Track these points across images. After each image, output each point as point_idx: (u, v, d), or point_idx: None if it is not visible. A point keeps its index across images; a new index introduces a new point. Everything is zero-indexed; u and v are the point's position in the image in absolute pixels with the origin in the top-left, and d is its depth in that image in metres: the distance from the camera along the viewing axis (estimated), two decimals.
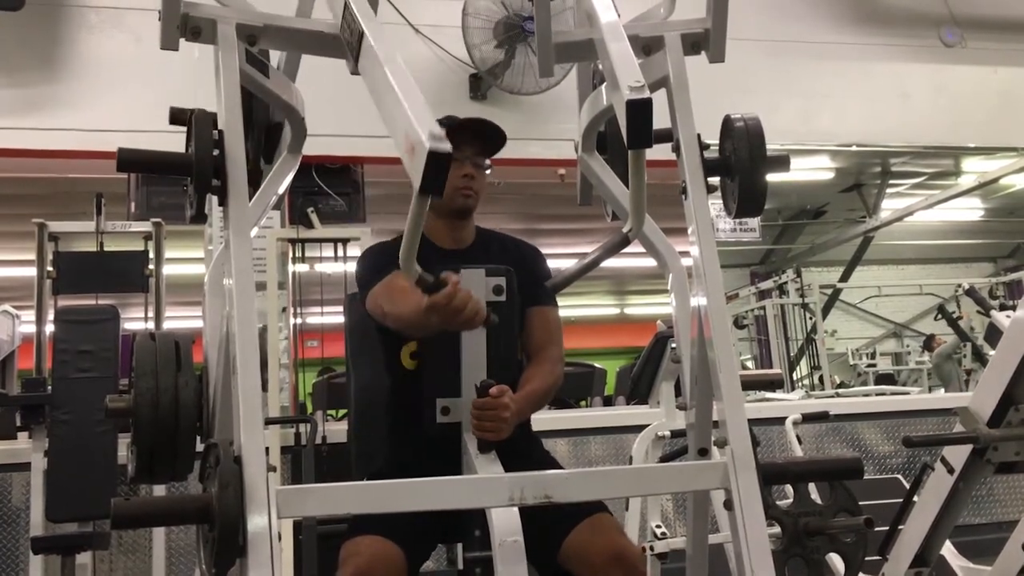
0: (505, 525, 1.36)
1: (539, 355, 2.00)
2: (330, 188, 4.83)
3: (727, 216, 1.75)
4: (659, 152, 1.62)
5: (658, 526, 3.36)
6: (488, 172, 2.11)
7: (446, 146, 1.14)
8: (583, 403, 5.87)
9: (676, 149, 1.68)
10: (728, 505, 1.38)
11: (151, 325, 4.42)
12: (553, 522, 1.68)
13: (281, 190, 1.97)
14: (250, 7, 1.82)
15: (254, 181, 1.81)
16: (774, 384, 2.75)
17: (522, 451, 1.82)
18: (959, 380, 8.32)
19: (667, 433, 3.41)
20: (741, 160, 1.59)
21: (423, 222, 1.34)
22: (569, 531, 1.74)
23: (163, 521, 1.26)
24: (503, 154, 2.23)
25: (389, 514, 1.78)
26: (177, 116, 1.64)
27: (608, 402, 7.02)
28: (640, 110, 1.20)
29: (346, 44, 1.51)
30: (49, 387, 3.66)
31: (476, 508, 1.46)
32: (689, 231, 1.60)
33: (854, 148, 6.68)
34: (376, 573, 1.63)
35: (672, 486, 1.48)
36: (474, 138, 2.05)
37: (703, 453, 1.75)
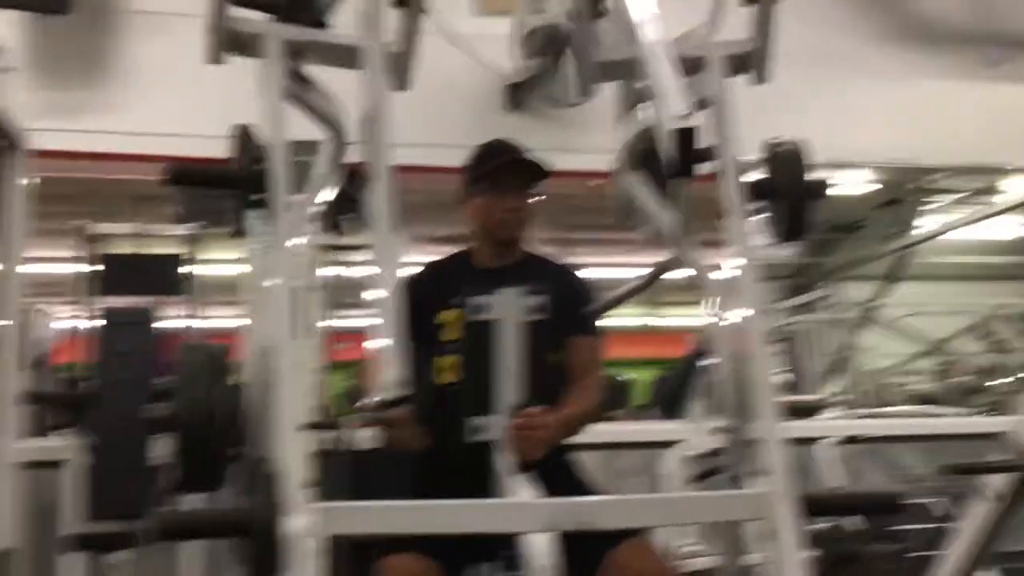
0: (539, 548, 1.36)
1: (579, 381, 2.00)
2: (363, 196, 4.85)
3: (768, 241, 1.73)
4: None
5: (690, 545, 3.33)
6: (534, 200, 2.14)
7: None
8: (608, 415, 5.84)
9: (718, 172, 1.67)
10: (766, 536, 1.37)
11: (188, 325, 4.47)
12: (592, 543, 1.67)
13: (322, 201, 1.99)
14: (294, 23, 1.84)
15: None
16: (814, 412, 2.72)
17: (556, 473, 1.82)
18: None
19: (699, 452, 3.38)
20: (782, 187, 1.57)
21: None
22: (607, 552, 1.72)
23: (203, 535, 1.27)
24: None
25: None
26: (175, 174, 1.64)
27: (641, 413, 6.99)
28: (685, 138, 1.19)
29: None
30: (87, 386, 3.72)
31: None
32: (729, 253, 1.59)
33: (893, 165, 6.59)
34: None
35: (709, 515, 1.47)
36: (520, 171, 2.10)
37: (739, 480, 1.73)
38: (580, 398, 1.95)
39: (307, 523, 1.25)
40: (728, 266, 1.58)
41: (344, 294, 5.12)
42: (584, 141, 5.42)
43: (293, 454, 1.32)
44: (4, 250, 2.38)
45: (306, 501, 1.26)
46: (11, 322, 2.39)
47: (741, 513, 1.39)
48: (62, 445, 3.83)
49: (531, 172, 2.11)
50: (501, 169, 2.06)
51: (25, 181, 2.50)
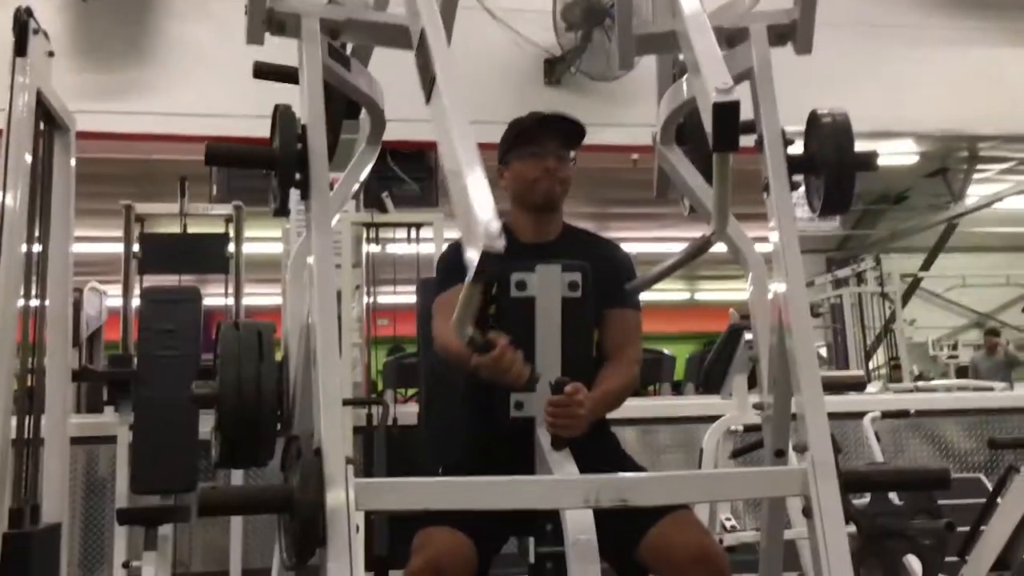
0: (579, 523, 1.36)
1: (616, 355, 1.97)
2: (404, 173, 4.87)
3: (811, 213, 1.71)
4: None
5: (728, 519, 3.33)
6: (572, 164, 2.08)
7: (499, 244, 1.14)
8: (651, 389, 5.83)
9: (759, 144, 1.64)
10: (807, 513, 1.36)
11: (231, 302, 4.53)
12: (633, 518, 1.65)
13: (361, 180, 2.00)
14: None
15: None
16: (857, 387, 2.69)
17: (596, 449, 1.81)
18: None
19: (740, 427, 3.37)
20: (827, 158, 1.55)
21: (474, 307, 1.32)
22: (649, 527, 1.70)
23: (246, 510, 1.30)
24: None
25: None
26: (262, 70, 1.68)
27: (677, 389, 6.96)
28: (727, 113, 1.18)
29: (419, 70, 1.51)
30: (135, 364, 3.79)
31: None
32: (770, 226, 1.57)
33: (942, 134, 6.45)
34: (446, 565, 1.64)
35: (750, 492, 1.47)
36: (555, 132, 2.04)
37: (780, 455, 1.72)
38: (617, 373, 1.92)
39: (348, 499, 1.26)
40: (770, 239, 1.56)
41: (384, 270, 5.16)
42: (623, 115, 5.38)
43: (334, 430, 1.34)
44: (55, 229, 2.43)
45: (347, 478, 1.28)
46: (63, 300, 2.45)
47: (782, 489, 1.39)
48: (112, 421, 3.91)
49: (568, 132, 2.05)
50: (536, 129, 2.02)
51: (72, 162, 2.55)
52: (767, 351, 1.73)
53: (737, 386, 3.43)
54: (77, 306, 4.50)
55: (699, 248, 1.42)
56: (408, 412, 3.92)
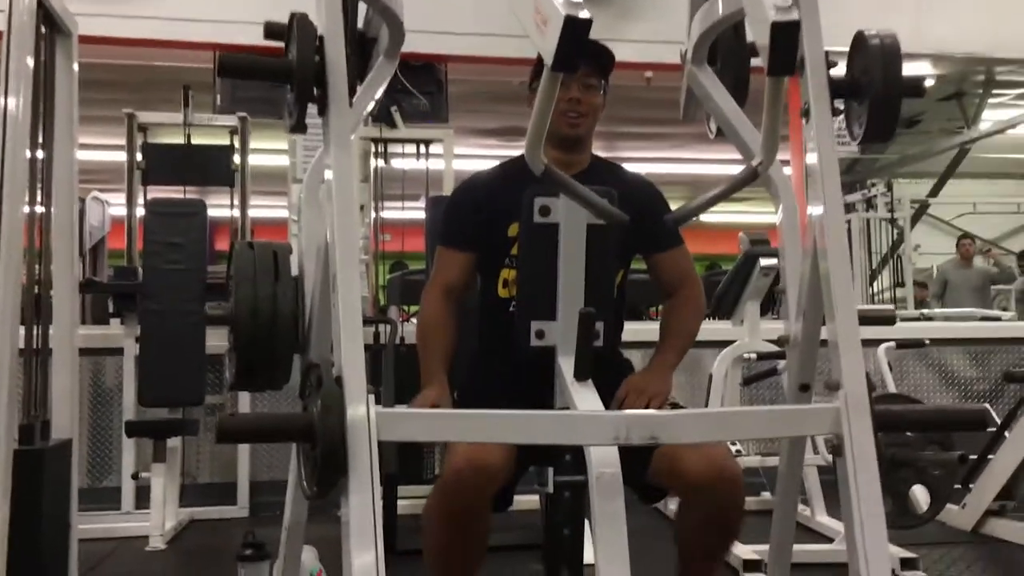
0: (603, 457, 1.33)
1: (678, 296, 1.94)
2: (413, 87, 4.74)
3: (850, 141, 1.64)
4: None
5: (732, 443, 3.34)
6: (602, 93, 1.97)
7: (584, 13, 1.06)
8: (654, 311, 5.80)
9: (800, 67, 1.56)
10: (838, 451, 1.33)
11: (236, 215, 4.47)
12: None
13: (377, 96, 1.92)
14: None
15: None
16: (887, 321, 2.64)
17: (613, 377, 1.78)
18: None
19: (752, 355, 3.34)
20: (874, 83, 1.46)
21: (552, 107, 1.27)
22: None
23: (266, 438, 1.27)
24: None
25: None
26: (273, 30, 1.59)
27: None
28: (786, 33, 1.10)
29: None
30: (140, 276, 3.75)
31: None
32: (809, 148, 1.51)
33: (962, 55, 6.28)
34: (485, 461, 1.62)
35: (781, 430, 1.43)
36: (585, 58, 1.92)
37: (804, 389, 1.69)
38: (683, 317, 1.90)
39: (370, 429, 1.23)
40: (808, 162, 1.49)
41: (391, 186, 5.08)
42: (637, 30, 5.22)
43: (355, 357, 1.29)
44: (58, 136, 2.35)
45: (367, 407, 1.24)
46: (69, 208, 2.38)
47: (811, 428, 1.35)
48: (118, 333, 3.90)
49: (595, 59, 1.93)
50: None
51: (75, 66, 2.45)
52: (796, 279, 1.69)
53: (749, 313, 3.40)
54: (80, 216, 4.43)
55: (744, 179, 1.36)
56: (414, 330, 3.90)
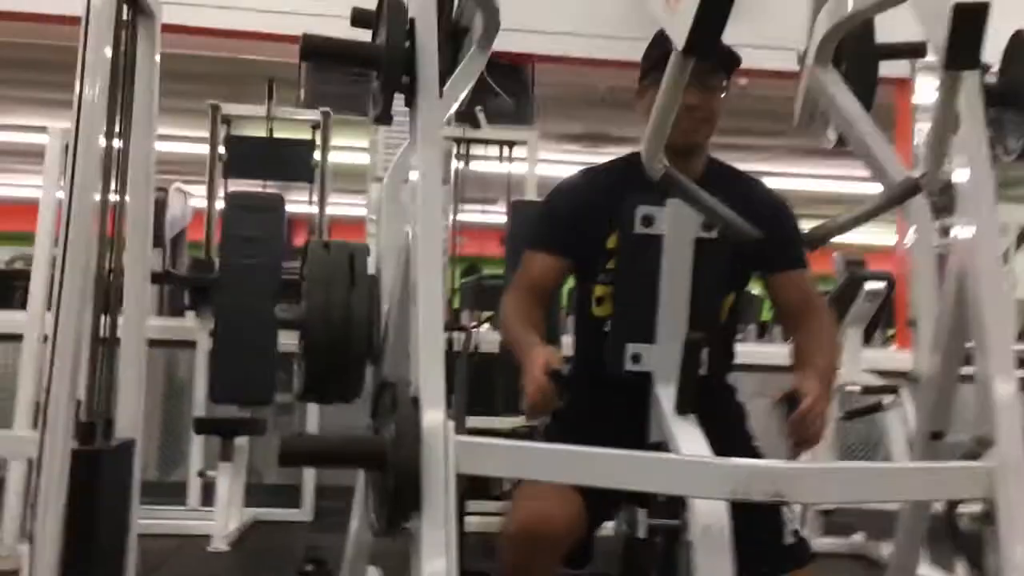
0: (711, 507, 1.16)
1: (808, 322, 1.70)
2: (499, 87, 4.61)
3: (1005, 157, 1.44)
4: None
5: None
6: (723, 95, 1.71)
7: None
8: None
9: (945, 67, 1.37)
10: (988, 518, 1.13)
11: (314, 211, 4.39)
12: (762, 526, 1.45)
13: (468, 89, 1.79)
14: None
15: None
16: None
17: (716, 408, 1.60)
18: None
19: (856, 388, 3.10)
20: None
21: (678, 101, 1.09)
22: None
23: (333, 462, 1.13)
24: None
25: None
26: (361, 17, 1.46)
27: (763, 331, 6.65)
28: (972, 19, 0.92)
29: None
30: (216, 269, 3.70)
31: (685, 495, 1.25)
32: (958, 163, 1.31)
33: None
34: (548, 529, 1.47)
35: (922, 492, 1.21)
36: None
37: (936, 437, 1.49)
38: (822, 342, 1.65)
39: (447, 461, 1.09)
40: (957, 179, 1.30)
41: (470, 189, 4.95)
42: (730, 32, 4.98)
43: (435, 378, 1.15)
44: (137, 124, 2.27)
45: (446, 436, 1.10)
46: (145, 198, 2.30)
47: (959, 491, 1.15)
48: (193, 326, 3.86)
49: (721, 57, 1.66)
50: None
51: (157, 55, 2.38)
52: (928, 310, 1.50)
53: (851, 340, 3.15)
54: (161, 206, 4.42)
55: (903, 194, 1.17)
56: (490, 340, 3.76)
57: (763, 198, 1.76)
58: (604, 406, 1.62)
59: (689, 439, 1.32)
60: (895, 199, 1.17)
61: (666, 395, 1.43)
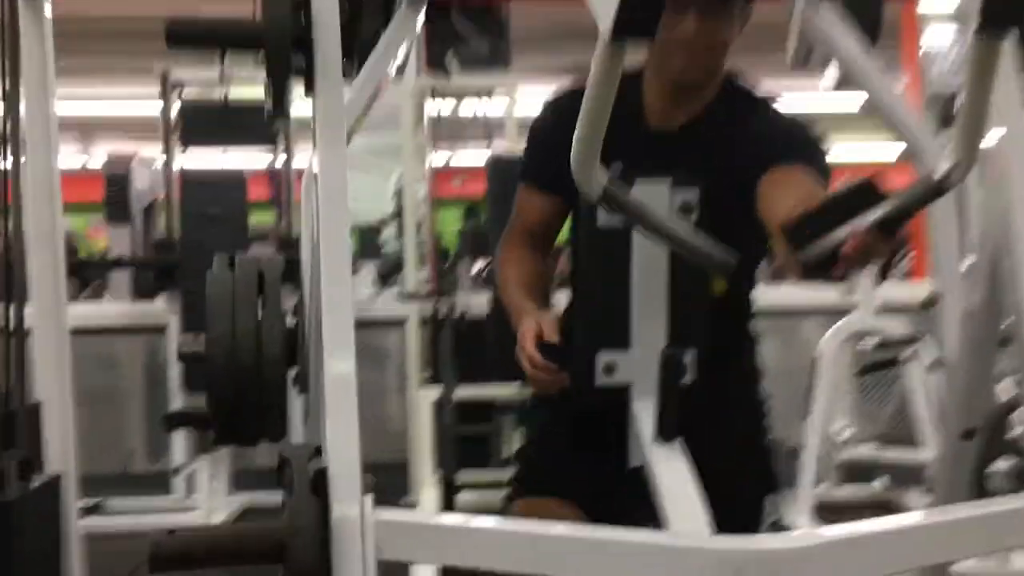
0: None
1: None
2: (473, 33, 4.30)
3: None
4: None
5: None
6: (734, 25, 1.34)
7: None
8: None
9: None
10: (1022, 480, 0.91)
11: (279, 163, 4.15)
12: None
13: (398, 61, 1.52)
14: None
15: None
16: None
17: (723, 420, 1.36)
18: None
19: (871, 334, 2.84)
20: None
21: (613, 92, 0.84)
22: None
23: (219, 561, 0.91)
24: None
25: (567, 473, 1.39)
26: None
27: (775, 274, 6.36)
28: None
29: None
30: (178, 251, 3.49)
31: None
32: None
33: None
34: None
35: (962, 549, 0.96)
36: None
37: (968, 436, 1.26)
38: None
39: (363, 547, 0.87)
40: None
41: (457, 130, 4.68)
42: None
43: (346, 438, 0.93)
44: (29, 83, 1.97)
45: (362, 514, 0.88)
46: (46, 165, 1.99)
47: (1009, 538, 0.92)
48: (162, 309, 3.66)
49: None
50: None
51: (48, 9, 2.05)
52: (953, 282, 1.28)
53: (863, 278, 2.86)
54: (124, 179, 4.15)
55: (926, 194, 0.92)
56: (479, 303, 3.55)
57: (777, 126, 1.40)
58: (581, 422, 1.39)
59: (672, 475, 1.10)
60: (923, 197, 0.91)
61: (646, 413, 1.20)
